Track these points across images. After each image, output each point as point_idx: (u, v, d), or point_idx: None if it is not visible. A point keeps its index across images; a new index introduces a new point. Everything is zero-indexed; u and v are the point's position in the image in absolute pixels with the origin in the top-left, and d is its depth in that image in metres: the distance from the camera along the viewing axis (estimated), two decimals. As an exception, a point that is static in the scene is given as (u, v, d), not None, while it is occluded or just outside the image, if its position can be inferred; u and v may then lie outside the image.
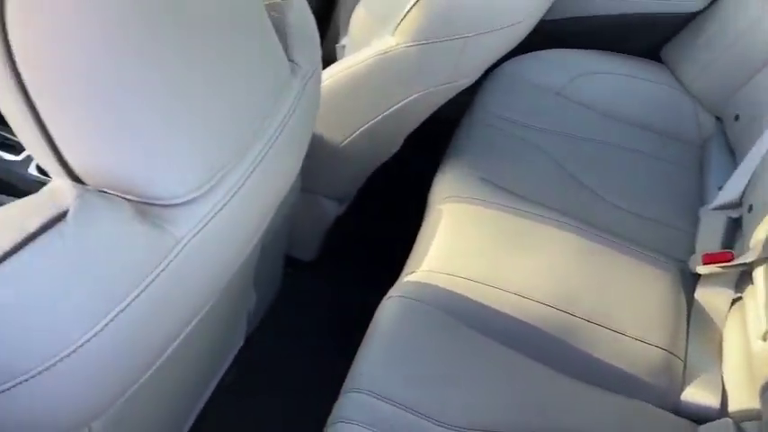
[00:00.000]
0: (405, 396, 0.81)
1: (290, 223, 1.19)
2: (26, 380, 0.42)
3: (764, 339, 0.85)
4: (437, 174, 1.18)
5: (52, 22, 0.40)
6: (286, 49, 0.61)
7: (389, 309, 0.92)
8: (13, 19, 0.39)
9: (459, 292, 0.95)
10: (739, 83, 1.28)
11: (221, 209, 0.51)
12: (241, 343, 1.07)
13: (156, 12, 0.43)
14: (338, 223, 1.33)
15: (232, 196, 0.52)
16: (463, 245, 1.03)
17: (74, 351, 0.43)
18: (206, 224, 0.50)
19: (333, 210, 1.26)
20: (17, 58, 0.40)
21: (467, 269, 0.98)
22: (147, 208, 0.46)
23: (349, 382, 0.83)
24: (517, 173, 1.18)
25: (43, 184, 0.48)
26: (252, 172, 0.54)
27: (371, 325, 0.91)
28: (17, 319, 0.40)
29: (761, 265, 0.91)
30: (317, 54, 0.67)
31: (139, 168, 0.45)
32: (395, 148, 1.20)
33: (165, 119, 0.45)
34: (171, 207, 0.47)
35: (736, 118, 1.26)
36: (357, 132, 1.08)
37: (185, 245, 0.48)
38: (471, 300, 0.94)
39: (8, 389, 0.41)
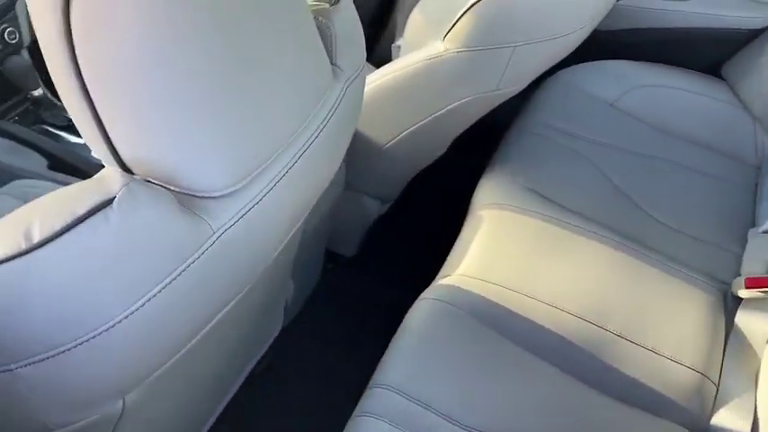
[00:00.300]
0: (429, 396, 0.83)
1: (333, 219, 1.22)
2: (68, 349, 0.45)
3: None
4: (481, 179, 1.19)
5: (108, 20, 0.43)
6: (330, 53, 0.64)
7: (421, 310, 0.94)
8: (76, 15, 0.43)
9: (491, 298, 0.96)
10: (801, 105, 1.24)
11: (256, 204, 0.54)
12: (278, 331, 1.11)
13: (202, 14, 0.46)
14: (381, 222, 1.35)
15: (267, 192, 0.55)
16: (500, 252, 1.03)
17: (112, 326, 0.46)
18: (241, 217, 0.53)
19: (375, 209, 1.28)
20: (78, 52, 0.44)
21: (501, 276, 0.98)
22: (187, 199, 0.50)
23: (375, 377, 0.85)
24: (562, 183, 1.17)
25: (104, 167, 0.51)
26: (288, 170, 0.57)
27: (402, 324, 0.93)
28: (63, 293, 0.44)
29: (806, 293, 0.89)
30: (361, 59, 0.69)
31: (182, 162, 0.48)
32: (440, 152, 1.21)
33: (208, 117, 0.48)
34: (209, 199, 0.50)
35: (796, 140, 1.23)
36: (403, 134, 1.10)
37: (221, 235, 0.51)
38: (503, 307, 0.95)
39: (52, 356, 0.45)
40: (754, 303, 0.97)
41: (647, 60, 1.40)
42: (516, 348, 0.91)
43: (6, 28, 1.11)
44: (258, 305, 0.87)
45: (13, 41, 1.13)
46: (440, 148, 1.20)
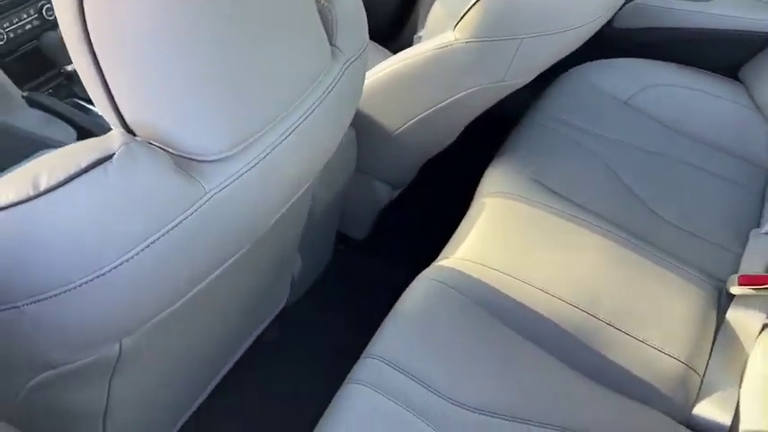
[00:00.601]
0: (418, 369, 0.86)
1: (344, 202, 1.26)
2: (70, 289, 0.50)
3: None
4: (488, 168, 1.22)
5: None
6: (330, 34, 0.67)
7: (418, 289, 0.98)
8: None
9: (487, 281, 0.99)
10: (815, 109, 1.24)
11: (249, 170, 0.58)
12: (283, 304, 1.15)
13: None
14: (392, 206, 1.39)
15: (260, 160, 0.59)
16: (500, 238, 1.06)
17: (108, 271, 0.51)
18: (233, 181, 0.57)
19: (386, 193, 1.32)
20: (87, 19, 0.49)
21: (498, 261, 1.01)
22: (182, 161, 0.54)
23: (368, 349, 0.89)
24: (568, 177, 1.19)
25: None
26: (281, 142, 0.61)
27: (399, 301, 0.96)
28: (65, 237, 0.49)
29: (796, 292, 0.90)
30: (363, 42, 0.73)
31: (179, 126, 0.53)
32: (449, 140, 1.24)
33: (205, 86, 0.52)
34: (203, 163, 0.55)
35: (808, 144, 1.23)
36: (412, 121, 1.13)
37: (212, 197, 0.56)
38: (498, 290, 0.98)
39: (54, 295, 0.50)
40: (745, 300, 0.98)
41: (664, 60, 1.41)
42: (506, 329, 0.94)
43: (45, 5, 1.18)
44: (262, 273, 0.92)
45: (51, 17, 1.19)
46: (449, 136, 1.23)
